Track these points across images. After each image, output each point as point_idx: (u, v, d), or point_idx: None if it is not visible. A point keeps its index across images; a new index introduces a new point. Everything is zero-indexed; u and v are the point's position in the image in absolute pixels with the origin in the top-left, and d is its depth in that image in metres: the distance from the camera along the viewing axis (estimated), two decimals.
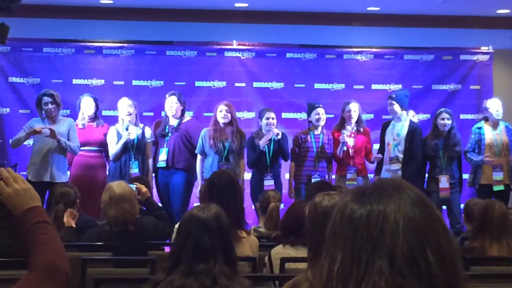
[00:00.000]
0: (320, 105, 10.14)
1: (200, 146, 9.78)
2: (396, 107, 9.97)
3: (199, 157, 9.82)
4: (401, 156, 9.88)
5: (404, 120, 10.01)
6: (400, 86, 11.54)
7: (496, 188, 9.91)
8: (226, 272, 3.64)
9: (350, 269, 1.59)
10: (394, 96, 10.10)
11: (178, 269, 3.64)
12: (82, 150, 9.77)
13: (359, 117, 10.21)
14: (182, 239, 3.74)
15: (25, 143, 9.82)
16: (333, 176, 10.17)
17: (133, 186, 6.82)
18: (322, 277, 1.63)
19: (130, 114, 9.85)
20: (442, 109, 10.22)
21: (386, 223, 1.59)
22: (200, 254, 3.66)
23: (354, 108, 10.17)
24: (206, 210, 3.84)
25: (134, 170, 9.67)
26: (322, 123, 10.09)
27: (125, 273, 5.31)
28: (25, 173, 9.57)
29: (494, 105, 10.12)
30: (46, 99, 9.56)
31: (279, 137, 9.76)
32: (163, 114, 10.35)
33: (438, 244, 1.60)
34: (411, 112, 10.52)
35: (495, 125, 10.12)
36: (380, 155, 10.07)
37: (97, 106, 10.12)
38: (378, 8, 11.85)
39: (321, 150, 10.01)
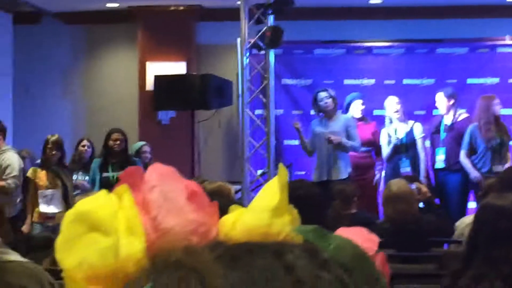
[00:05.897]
0: None
1: (467, 143, 9.44)
2: None
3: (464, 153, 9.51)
4: None
5: None
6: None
7: None
8: None
9: None
10: None
11: (475, 257, 3.53)
12: None
13: None
14: (477, 226, 3.63)
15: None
16: None
17: (414, 186, 6.84)
18: None
19: (397, 111, 9.83)
20: None
21: None
22: (496, 239, 3.52)
23: None
24: (503, 198, 3.71)
25: (406, 169, 9.62)
26: None
27: (412, 269, 5.29)
28: (303, 173, 9.88)
29: None
30: (322, 94, 9.66)
31: None
32: (434, 112, 10.20)
33: None
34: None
35: None
36: None
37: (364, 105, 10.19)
38: None
39: None
